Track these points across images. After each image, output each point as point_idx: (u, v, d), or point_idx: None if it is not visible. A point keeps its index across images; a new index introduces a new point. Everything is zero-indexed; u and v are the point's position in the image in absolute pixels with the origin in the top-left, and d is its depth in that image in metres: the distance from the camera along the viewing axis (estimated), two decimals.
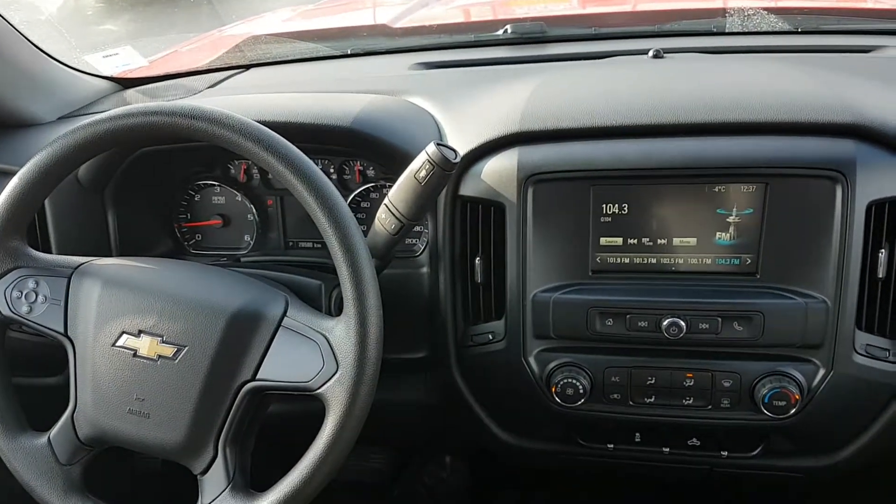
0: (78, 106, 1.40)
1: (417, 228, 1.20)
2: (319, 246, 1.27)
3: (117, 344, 0.92)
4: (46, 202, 1.17)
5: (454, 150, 0.93)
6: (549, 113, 1.05)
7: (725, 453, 1.09)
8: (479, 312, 1.11)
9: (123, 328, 0.92)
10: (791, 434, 1.07)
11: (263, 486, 0.90)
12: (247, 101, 1.24)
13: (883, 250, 0.95)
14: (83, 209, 1.21)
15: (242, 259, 1.27)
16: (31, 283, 0.97)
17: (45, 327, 0.96)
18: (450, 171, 0.92)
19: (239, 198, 1.27)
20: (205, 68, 1.55)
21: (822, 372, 1.00)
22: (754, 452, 1.09)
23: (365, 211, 1.23)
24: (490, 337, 1.10)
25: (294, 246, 1.28)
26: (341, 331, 0.86)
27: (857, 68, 1.21)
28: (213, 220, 1.29)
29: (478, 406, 1.17)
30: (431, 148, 0.92)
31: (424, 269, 1.15)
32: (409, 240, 1.21)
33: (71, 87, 1.41)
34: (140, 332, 0.92)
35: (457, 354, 1.14)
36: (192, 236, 1.32)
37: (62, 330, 0.96)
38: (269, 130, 0.86)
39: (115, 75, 1.52)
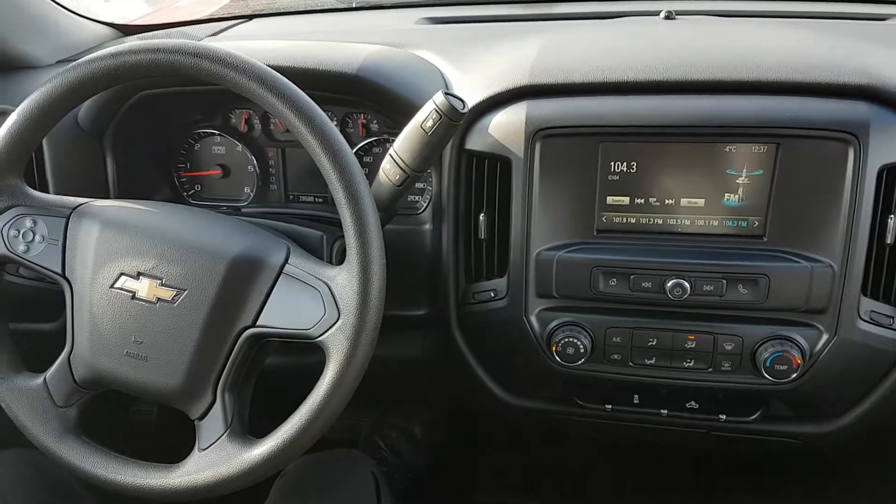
0: (77, 51, 1.37)
1: (420, 185, 1.19)
2: (321, 200, 1.25)
3: (115, 286, 0.91)
4: (45, 144, 1.15)
5: (462, 100, 0.91)
6: (560, 67, 1.03)
7: (724, 417, 1.09)
8: (481, 270, 1.10)
9: (122, 270, 0.91)
10: (791, 399, 1.07)
11: (262, 436, 0.89)
12: (249, 45, 1.22)
13: (892, 216, 0.94)
14: (82, 153, 1.19)
15: (243, 210, 1.25)
16: (28, 223, 0.95)
17: (43, 267, 0.95)
18: (457, 121, 0.90)
19: (239, 148, 1.25)
20: (207, 17, 1.52)
21: (825, 337, 0.99)
22: (753, 417, 1.09)
23: (367, 165, 1.21)
24: (492, 294, 1.09)
25: (295, 199, 1.27)
26: (344, 279, 0.84)
27: (872, 35, 1.19)
28: (212, 171, 1.27)
29: (477, 364, 1.17)
30: (439, 97, 0.90)
31: (427, 226, 1.14)
32: (412, 196, 1.20)
33: (71, 32, 1.38)
34: (139, 274, 0.90)
35: (458, 312, 1.13)
36: (192, 186, 1.30)
37: (60, 270, 0.94)
38: (275, 72, 0.84)
39: (115, 22, 1.49)
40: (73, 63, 0.90)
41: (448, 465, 1.74)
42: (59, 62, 1.32)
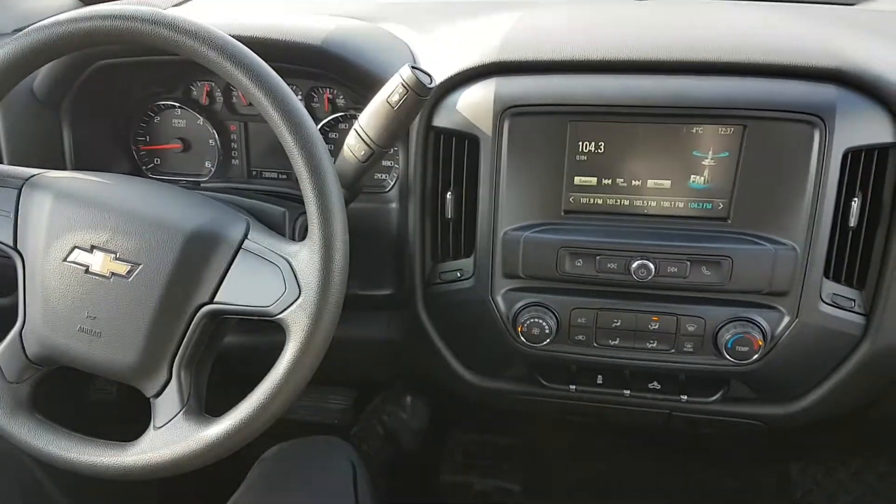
0: (36, 19, 1.32)
1: (387, 163, 1.17)
2: (284, 176, 1.23)
3: (68, 259, 0.88)
4: None
5: (429, 75, 0.90)
6: (530, 44, 1.02)
7: (685, 398, 1.09)
8: (447, 249, 1.09)
9: (75, 243, 0.88)
10: (751, 380, 1.07)
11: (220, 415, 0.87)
12: (212, 15, 1.18)
13: (856, 199, 0.95)
14: (38, 123, 1.15)
15: (203, 185, 1.22)
16: None
17: None
18: (424, 96, 0.89)
19: (200, 121, 1.22)
20: None
21: (786, 319, 1.00)
22: (714, 398, 1.09)
23: (333, 142, 1.19)
24: (458, 275, 1.08)
25: (257, 175, 1.24)
26: (305, 255, 0.83)
27: (841, 19, 1.20)
28: (172, 144, 1.24)
29: (442, 344, 1.16)
30: (406, 71, 0.88)
31: (393, 205, 1.12)
32: (379, 175, 1.18)
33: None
34: (93, 247, 0.88)
35: (423, 292, 1.12)
36: (151, 160, 1.27)
37: (11, 243, 0.91)
38: (236, 41, 0.82)
39: None
40: (27, 29, 0.86)
41: (426, 448, 1.74)
42: (16, 31, 1.27)
